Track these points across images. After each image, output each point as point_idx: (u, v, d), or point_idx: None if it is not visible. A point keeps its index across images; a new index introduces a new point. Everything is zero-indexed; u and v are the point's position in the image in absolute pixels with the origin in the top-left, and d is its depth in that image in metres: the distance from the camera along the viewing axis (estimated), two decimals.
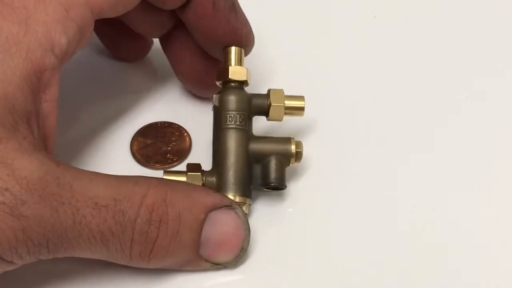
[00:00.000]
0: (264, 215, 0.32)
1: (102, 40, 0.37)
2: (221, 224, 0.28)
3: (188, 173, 0.30)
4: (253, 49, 0.33)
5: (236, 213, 0.28)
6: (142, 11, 0.32)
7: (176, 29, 0.34)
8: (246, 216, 0.29)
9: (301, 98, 0.32)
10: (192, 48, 0.34)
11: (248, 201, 0.30)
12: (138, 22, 0.34)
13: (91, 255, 0.26)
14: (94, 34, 0.36)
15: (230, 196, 0.29)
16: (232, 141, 0.30)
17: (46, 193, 0.24)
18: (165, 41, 0.35)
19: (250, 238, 0.29)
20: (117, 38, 0.37)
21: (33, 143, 0.25)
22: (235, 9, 0.32)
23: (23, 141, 0.25)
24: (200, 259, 0.28)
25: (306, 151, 0.32)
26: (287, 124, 0.35)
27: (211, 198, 0.28)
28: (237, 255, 0.29)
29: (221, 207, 0.28)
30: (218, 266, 0.29)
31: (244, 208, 0.30)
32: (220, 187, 0.30)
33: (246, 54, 0.33)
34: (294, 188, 0.33)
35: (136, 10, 0.31)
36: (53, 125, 0.27)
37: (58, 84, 0.27)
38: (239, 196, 0.30)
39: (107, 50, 0.38)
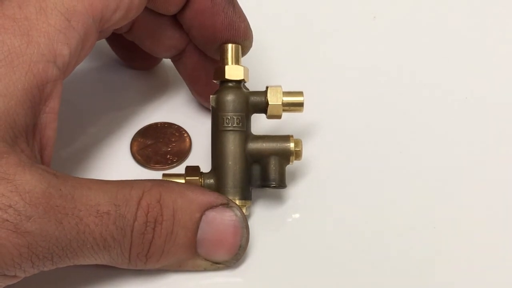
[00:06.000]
0: (263, 217, 0.32)
1: (116, 52, 0.37)
2: (218, 223, 0.28)
3: (186, 178, 0.30)
4: (253, 50, 0.33)
5: (233, 211, 0.28)
6: (151, 31, 0.33)
7: (188, 51, 0.34)
8: (244, 214, 0.29)
9: (299, 93, 0.31)
10: (207, 67, 0.34)
11: (247, 203, 0.30)
12: (150, 44, 0.34)
13: (93, 261, 0.26)
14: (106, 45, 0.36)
15: None
16: (229, 144, 0.30)
17: (50, 206, 0.24)
18: (177, 62, 0.35)
19: (250, 238, 0.29)
20: (130, 52, 0.37)
21: (30, 156, 0.25)
22: (233, 4, 0.32)
23: (22, 155, 0.25)
24: (198, 258, 0.28)
25: (308, 152, 0.32)
26: (290, 125, 0.35)
27: (207, 197, 0.28)
28: (235, 253, 0.29)
29: (217, 206, 0.28)
30: (217, 265, 0.29)
31: (244, 210, 0.29)
32: (218, 190, 0.30)
33: (245, 51, 0.32)
34: (294, 190, 0.33)
35: (145, 30, 0.31)
36: (52, 136, 0.27)
37: (60, 96, 0.27)
38: (238, 199, 0.30)
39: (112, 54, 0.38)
